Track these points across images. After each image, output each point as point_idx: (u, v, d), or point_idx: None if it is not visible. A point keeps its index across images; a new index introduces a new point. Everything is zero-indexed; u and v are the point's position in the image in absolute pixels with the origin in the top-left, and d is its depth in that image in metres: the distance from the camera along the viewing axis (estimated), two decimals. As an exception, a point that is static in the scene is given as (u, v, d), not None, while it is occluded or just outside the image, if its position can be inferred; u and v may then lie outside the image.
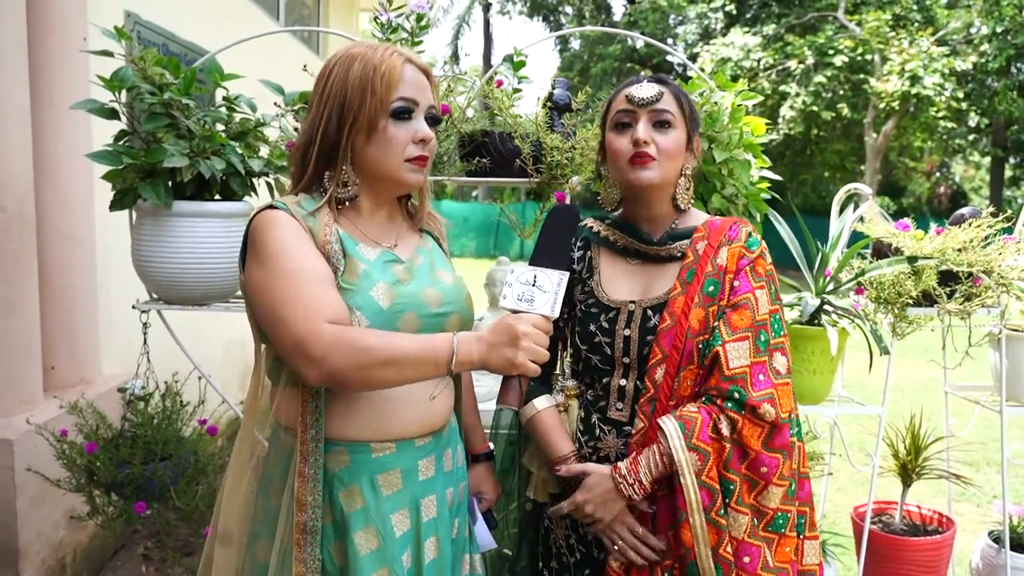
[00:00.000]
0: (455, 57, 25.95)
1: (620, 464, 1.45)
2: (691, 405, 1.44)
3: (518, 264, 1.34)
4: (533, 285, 1.28)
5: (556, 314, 1.27)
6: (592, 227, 1.66)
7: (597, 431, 1.54)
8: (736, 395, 1.40)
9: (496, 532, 1.64)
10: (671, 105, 1.51)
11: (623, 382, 1.53)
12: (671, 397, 1.46)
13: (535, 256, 1.34)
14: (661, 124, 1.49)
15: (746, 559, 1.43)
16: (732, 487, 1.42)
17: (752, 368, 1.43)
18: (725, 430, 1.41)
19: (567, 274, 1.30)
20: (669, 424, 1.41)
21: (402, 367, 1.22)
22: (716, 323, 1.46)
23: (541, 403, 1.59)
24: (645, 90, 1.50)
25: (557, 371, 1.64)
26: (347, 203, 1.38)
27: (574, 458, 1.54)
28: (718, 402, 1.42)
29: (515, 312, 1.26)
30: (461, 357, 1.22)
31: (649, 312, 1.52)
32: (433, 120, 1.39)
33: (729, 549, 1.42)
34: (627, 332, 1.52)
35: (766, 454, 1.43)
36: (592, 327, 1.55)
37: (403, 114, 1.34)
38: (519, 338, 1.21)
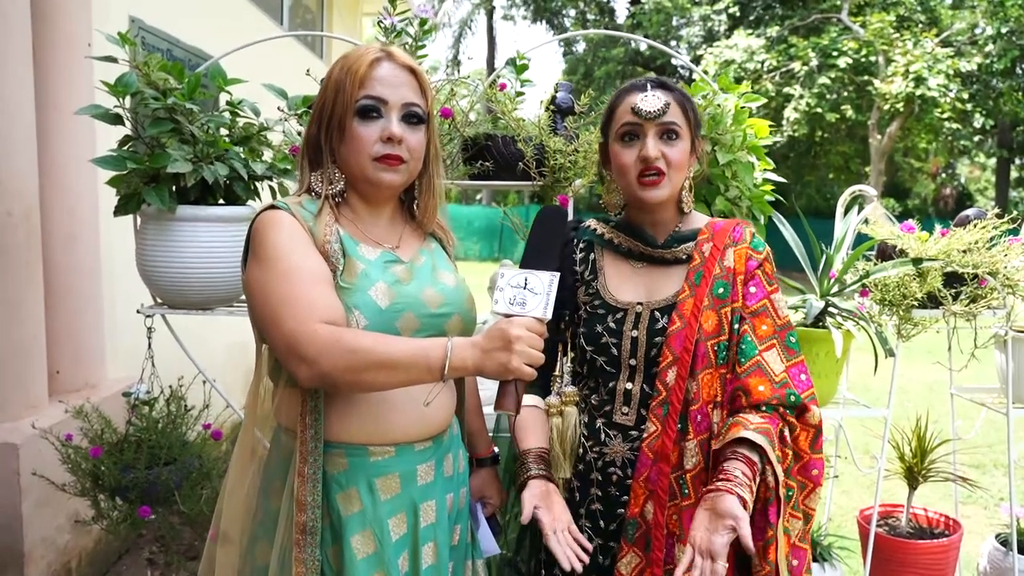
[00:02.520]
0: (456, 61, 26.00)
1: (735, 490, 1.32)
2: (754, 415, 1.41)
3: (509, 267, 1.33)
4: (524, 288, 1.27)
5: (549, 316, 1.26)
6: (595, 229, 1.65)
7: (603, 436, 1.54)
8: (792, 398, 1.42)
9: (499, 537, 1.64)
10: (677, 116, 1.49)
11: (629, 386, 1.53)
12: (692, 401, 1.45)
13: (525, 259, 1.33)
14: (669, 136, 1.49)
15: (795, 562, 1.44)
16: (791, 494, 1.43)
17: (790, 371, 1.45)
18: (788, 437, 1.42)
19: (557, 275, 1.29)
20: (762, 439, 1.36)
21: (395, 371, 1.21)
22: (740, 327, 1.46)
23: (526, 400, 1.57)
24: (651, 102, 1.47)
25: (556, 372, 1.63)
26: (341, 200, 1.39)
27: (535, 453, 1.54)
28: (780, 410, 1.42)
29: (507, 316, 1.25)
30: (455, 363, 1.21)
31: (657, 314, 1.51)
32: (414, 118, 1.37)
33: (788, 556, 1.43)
34: (634, 333, 1.52)
35: (814, 457, 1.45)
36: (599, 328, 1.54)
37: (369, 112, 1.33)
38: (512, 342, 1.20)
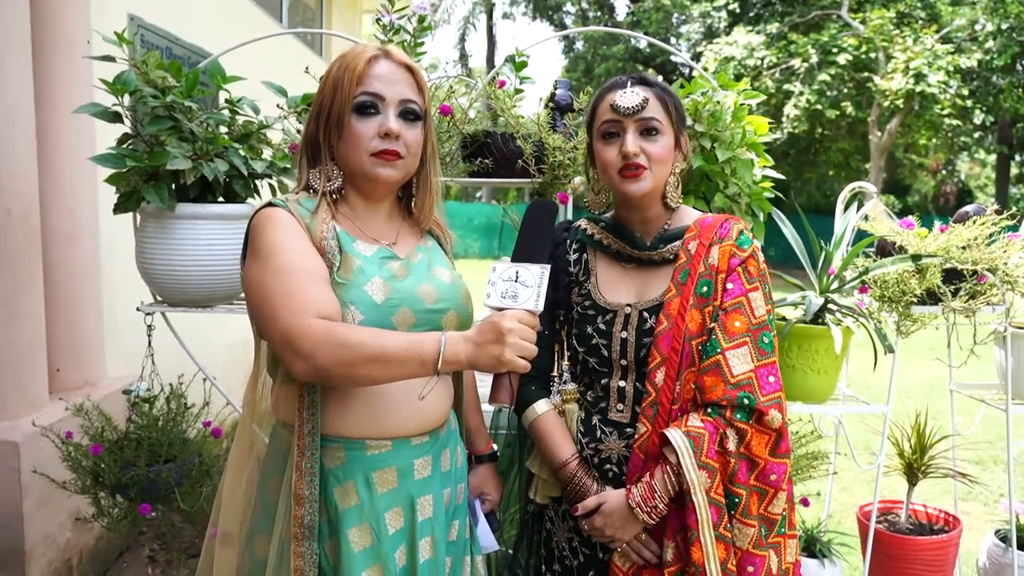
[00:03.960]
0: (463, 59, 26.01)
1: (634, 490, 1.45)
2: (695, 418, 1.42)
3: (500, 262, 1.33)
4: (516, 281, 1.28)
5: (540, 308, 1.26)
6: (587, 230, 1.65)
7: (598, 433, 1.54)
8: (745, 401, 1.40)
9: (498, 533, 1.64)
10: (657, 111, 1.49)
11: (622, 383, 1.53)
12: (674, 401, 1.46)
13: (516, 253, 1.34)
14: (649, 132, 1.48)
15: (750, 569, 1.43)
16: (737, 500, 1.42)
17: (758, 372, 1.42)
18: (731, 444, 1.41)
19: (548, 267, 1.29)
20: (679, 440, 1.40)
21: (389, 364, 1.22)
22: (712, 325, 1.45)
23: (542, 406, 1.59)
24: (630, 98, 1.48)
25: (555, 373, 1.63)
26: (338, 197, 1.40)
27: (575, 462, 1.54)
28: (726, 414, 1.41)
29: (500, 310, 1.26)
30: (448, 356, 1.22)
31: (645, 314, 1.51)
32: (411, 115, 1.38)
33: (734, 562, 1.42)
34: (624, 334, 1.52)
35: (774, 461, 1.43)
36: (589, 329, 1.55)
37: (366, 108, 1.34)
38: (504, 334, 1.21)
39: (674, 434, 1.41)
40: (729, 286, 1.47)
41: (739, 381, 1.41)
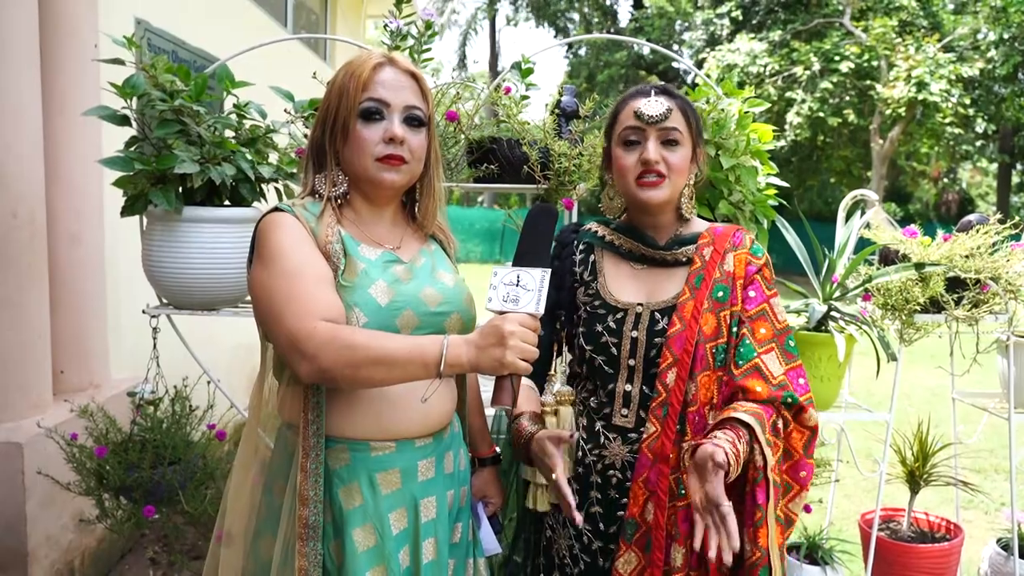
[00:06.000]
0: (463, 64, 26.07)
1: (722, 442, 1.31)
2: (749, 403, 1.43)
3: (501, 266, 1.35)
4: (517, 285, 1.29)
5: (541, 311, 1.28)
6: (596, 231, 1.67)
7: (602, 439, 1.54)
8: (790, 399, 1.43)
9: (500, 536, 1.65)
10: (679, 122, 1.51)
11: (628, 387, 1.53)
12: (689, 403, 1.46)
13: (517, 257, 1.35)
14: (670, 142, 1.50)
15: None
16: (778, 486, 1.45)
17: (788, 375, 1.46)
18: (781, 430, 1.44)
19: (549, 271, 1.31)
20: (750, 418, 1.36)
21: (392, 367, 1.23)
22: (740, 331, 1.48)
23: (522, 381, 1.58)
24: (654, 107, 1.50)
25: (552, 372, 1.64)
26: (343, 201, 1.42)
27: (527, 414, 1.54)
28: (775, 404, 1.44)
29: (501, 313, 1.28)
30: (450, 359, 1.23)
31: (657, 315, 1.52)
32: (415, 121, 1.40)
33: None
34: (634, 334, 1.53)
35: (805, 459, 1.47)
36: (599, 327, 1.55)
37: (372, 114, 1.36)
38: (506, 337, 1.22)
39: (743, 416, 1.36)
40: (751, 293, 1.51)
41: (780, 381, 1.45)
